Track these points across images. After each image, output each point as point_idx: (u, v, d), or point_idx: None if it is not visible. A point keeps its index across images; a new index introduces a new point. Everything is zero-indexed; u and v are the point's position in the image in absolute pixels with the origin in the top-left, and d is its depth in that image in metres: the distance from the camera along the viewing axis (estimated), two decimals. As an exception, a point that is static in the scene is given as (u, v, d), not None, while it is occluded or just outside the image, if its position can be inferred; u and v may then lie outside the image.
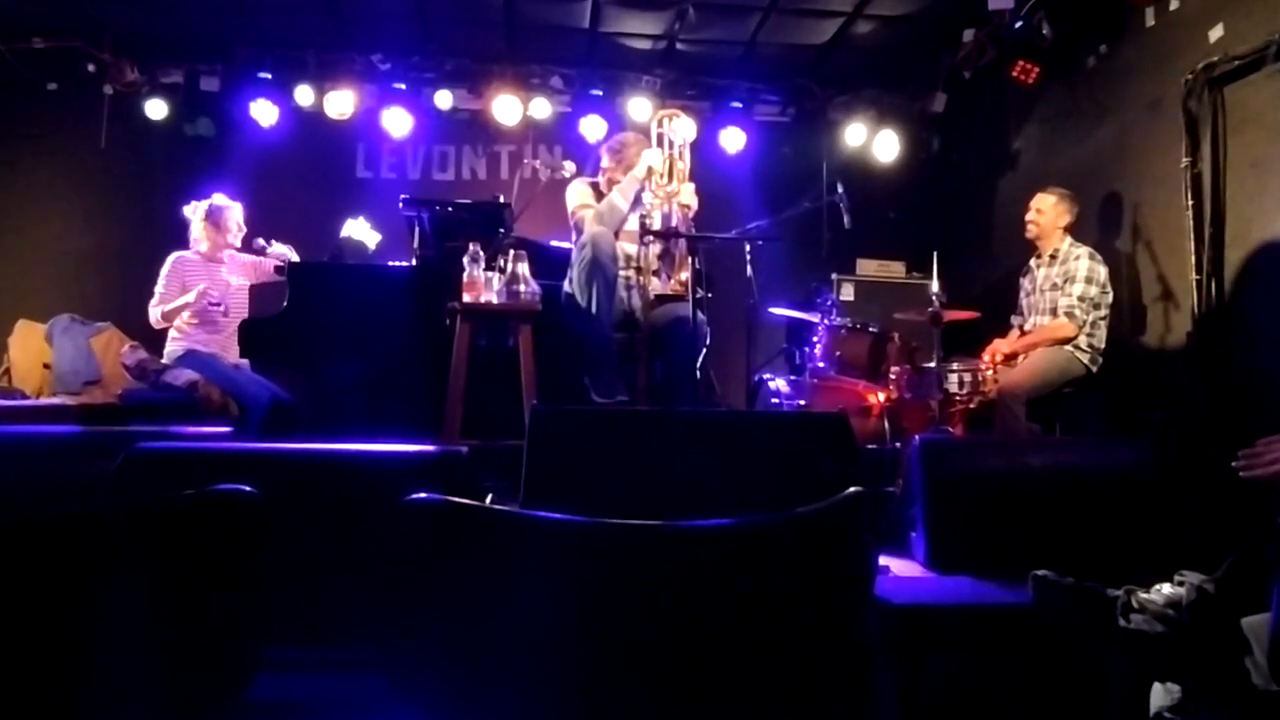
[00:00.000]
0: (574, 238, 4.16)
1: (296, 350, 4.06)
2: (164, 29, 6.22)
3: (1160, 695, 1.91)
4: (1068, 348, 4.35)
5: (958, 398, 4.37)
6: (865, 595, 1.36)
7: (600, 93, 6.60)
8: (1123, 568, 2.16)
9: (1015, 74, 5.52)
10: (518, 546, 1.16)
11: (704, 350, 3.95)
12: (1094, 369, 4.36)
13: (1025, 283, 4.77)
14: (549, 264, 4.12)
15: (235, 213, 4.78)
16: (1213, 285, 4.20)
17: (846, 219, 4.70)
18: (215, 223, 4.70)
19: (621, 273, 4.02)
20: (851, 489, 1.21)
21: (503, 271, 3.72)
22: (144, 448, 2.18)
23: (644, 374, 4.12)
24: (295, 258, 4.64)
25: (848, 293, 5.99)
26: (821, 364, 4.71)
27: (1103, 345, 4.39)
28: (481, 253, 3.71)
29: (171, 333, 4.56)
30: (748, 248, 4.63)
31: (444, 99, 6.49)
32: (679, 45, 6.41)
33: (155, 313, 4.53)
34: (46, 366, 5.68)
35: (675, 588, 1.16)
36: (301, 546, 1.86)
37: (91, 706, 1.17)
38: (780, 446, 2.57)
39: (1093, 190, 4.98)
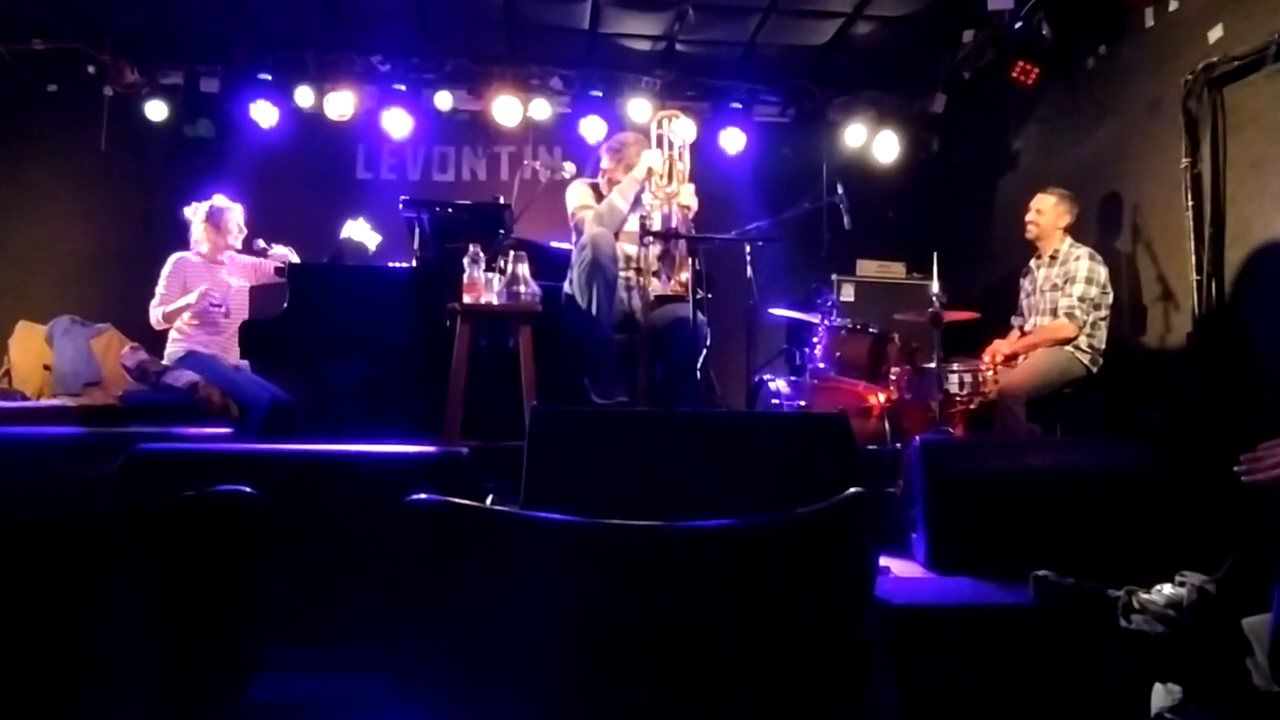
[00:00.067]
0: (574, 239, 4.16)
1: (297, 351, 4.06)
2: (164, 30, 6.22)
3: (1161, 696, 1.91)
4: (1068, 348, 4.35)
5: (958, 398, 4.36)
6: (865, 596, 1.36)
7: (600, 94, 6.60)
8: (1123, 568, 2.16)
9: (1015, 74, 5.52)
10: (518, 547, 1.16)
11: (704, 351, 3.95)
12: (1094, 369, 4.36)
13: (1025, 283, 4.77)
14: (549, 265, 4.12)
15: (236, 214, 4.79)
16: (1213, 285, 4.20)
17: (846, 220, 4.70)
18: (216, 224, 4.71)
19: (621, 274, 4.02)
20: (852, 490, 1.21)
21: (503, 272, 3.72)
22: (144, 449, 2.18)
23: (644, 375, 4.12)
24: (295, 259, 4.64)
25: (848, 293, 5.99)
26: (822, 365, 4.71)
27: (1103, 346, 4.39)
28: (481, 254, 3.71)
29: (172, 334, 4.56)
30: (748, 248, 4.64)
31: (444, 100, 6.49)
32: (679, 46, 6.41)
33: (156, 313, 4.54)
34: (47, 368, 5.68)
35: (675, 588, 1.16)
36: (301, 547, 1.87)
37: (92, 706, 1.17)
38: (780, 447, 2.57)
39: (1093, 191, 4.98)
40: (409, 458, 2.27)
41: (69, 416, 4.75)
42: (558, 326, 3.91)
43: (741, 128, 6.72)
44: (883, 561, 2.69)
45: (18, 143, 6.46)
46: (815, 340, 4.78)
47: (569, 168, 4.37)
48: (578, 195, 4.25)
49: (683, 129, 4.20)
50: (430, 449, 2.37)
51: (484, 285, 3.66)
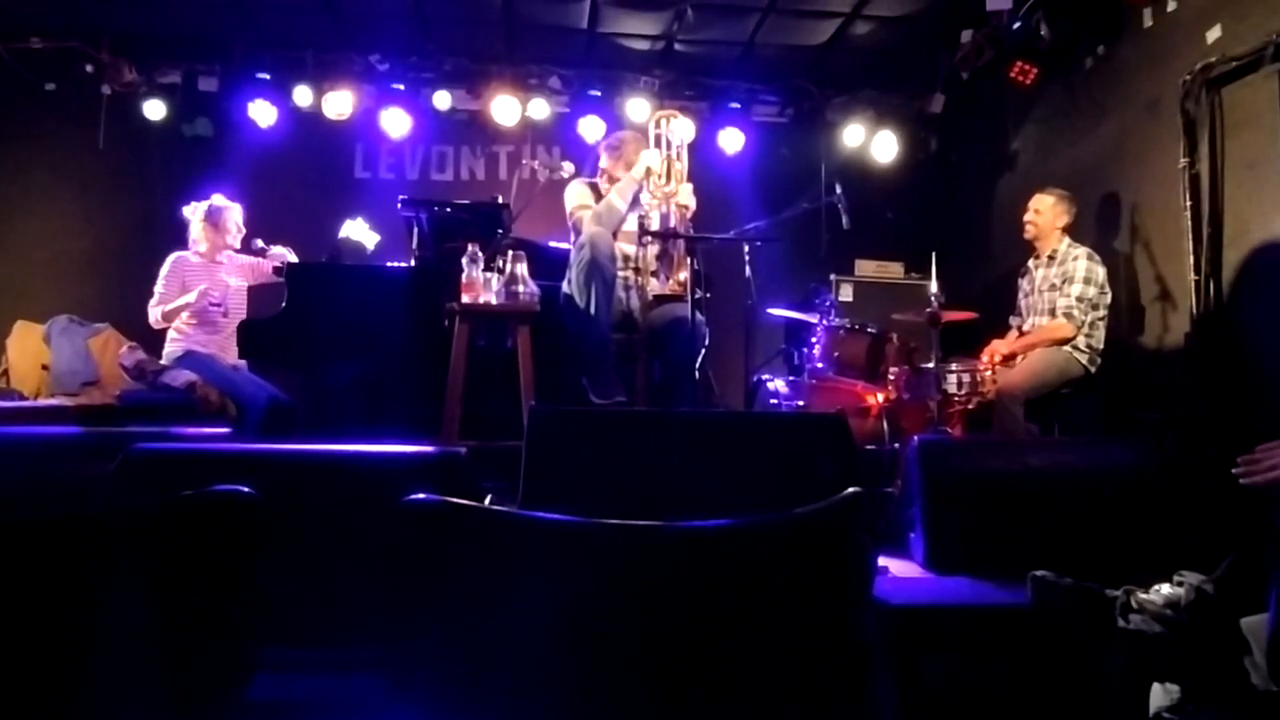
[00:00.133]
0: (572, 238, 4.16)
1: (295, 351, 4.06)
2: (162, 29, 6.22)
3: (1159, 695, 1.91)
4: (1066, 348, 4.35)
5: (956, 398, 4.37)
6: (864, 596, 1.36)
7: (599, 93, 6.60)
8: (1121, 568, 2.16)
9: (1013, 75, 5.53)
10: (516, 547, 1.16)
11: (702, 351, 3.95)
12: (1092, 369, 4.37)
13: (1024, 283, 4.78)
14: (547, 265, 4.12)
15: (234, 214, 4.79)
16: (1211, 286, 4.21)
17: (845, 220, 4.71)
18: (214, 224, 4.71)
19: (620, 273, 4.02)
20: (850, 489, 1.20)
21: (501, 272, 3.71)
22: (142, 448, 2.18)
23: (642, 375, 4.12)
24: (293, 258, 4.64)
25: (846, 293, 5.99)
26: (820, 364, 4.71)
27: (1101, 346, 4.39)
28: (480, 253, 3.70)
29: (170, 333, 4.56)
30: (746, 248, 4.64)
31: (442, 99, 6.49)
32: (677, 46, 6.41)
33: (155, 313, 4.53)
34: (45, 367, 5.68)
35: (674, 588, 1.16)
36: (300, 547, 1.86)
37: (90, 706, 1.17)
38: (779, 447, 2.57)
39: (1091, 191, 4.99)
40: (407, 457, 2.27)
41: (67, 416, 4.74)
42: (556, 326, 3.91)
43: (740, 127, 6.72)
44: (881, 561, 2.69)
45: (16, 142, 6.46)
46: (814, 340, 4.78)
47: (567, 167, 4.36)
48: (576, 195, 4.25)
49: (681, 129, 4.19)
50: (428, 449, 2.37)
51: (482, 285, 3.66)
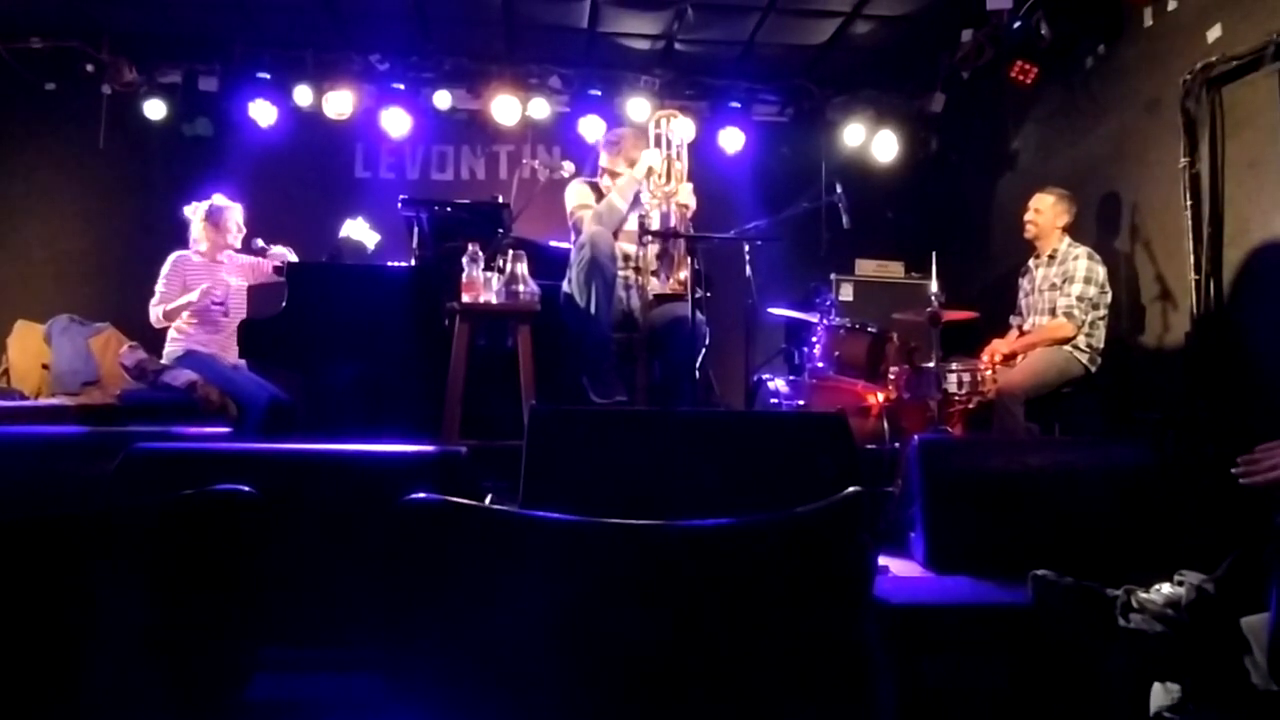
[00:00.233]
0: (573, 238, 4.16)
1: (295, 351, 4.06)
2: (162, 29, 6.22)
3: (1160, 695, 1.91)
4: (1066, 348, 4.35)
5: (956, 398, 4.37)
6: (864, 595, 1.36)
7: (599, 93, 6.60)
8: (1122, 567, 2.16)
9: (1014, 74, 5.53)
10: (517, 546, 1.16)
11: (703, 350, 3.95)
12: (1092, 369, 4.37)
13: (1024, 283, 4.78)
14: (548, 264, 4.12)
15: (235, 213, 4.79)
16: (1211, 285, 4.21)
17: (845, 219, 4.70)
18: (215, 223, 4.71)
19: (620, 273, 4.02)
20: (850, 489, 1.20)
21: (501, 271, 3.71)
22: (143, 448, 2.18)
23: (643, 374, 4.12)
24: (294, 258, 4.64)
25: (846, 293, 5.99)
26: (820, 364, 4.71)
27: (1101, 345, 4.39)
28: (480, 253, 3.70)
29: (170, 333, 4.56)
30: (746, 248, 4.64)
31: (443, 99, 6.49)
32: (677, 45, 6.41)
33: (156, 312, 4.54)
34: (45, 367, 5.68)
35: (674, 588, 1.16)
36: (300, 547, 1.86)
37: (90, 706, 1.17)
38: (779, 446, 2.57)
39: (1091, 190, 4.99)
40: (407, 457, 2.27)
41: (67, 415, 4.75)
42: (556, 326, 3.91)
43: (740, 127, 6.72)
44: (881, 561, 2.69)
45: (16, 141, 6.46)
46: (814, 339, 4.78)
47: (568, 167, 4.36)
48: (576, 194, 4.25)
49: (681, 128, 4.19)
50: (429, 448, 2.37)
51: (483, 284, 3.66)
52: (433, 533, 1.15)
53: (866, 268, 6.21)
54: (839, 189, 4.69)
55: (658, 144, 4.13)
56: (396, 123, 6.48)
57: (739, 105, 6.74)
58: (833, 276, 6.00)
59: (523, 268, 3.71)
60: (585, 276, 3.80)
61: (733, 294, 4.78)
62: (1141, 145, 4.74)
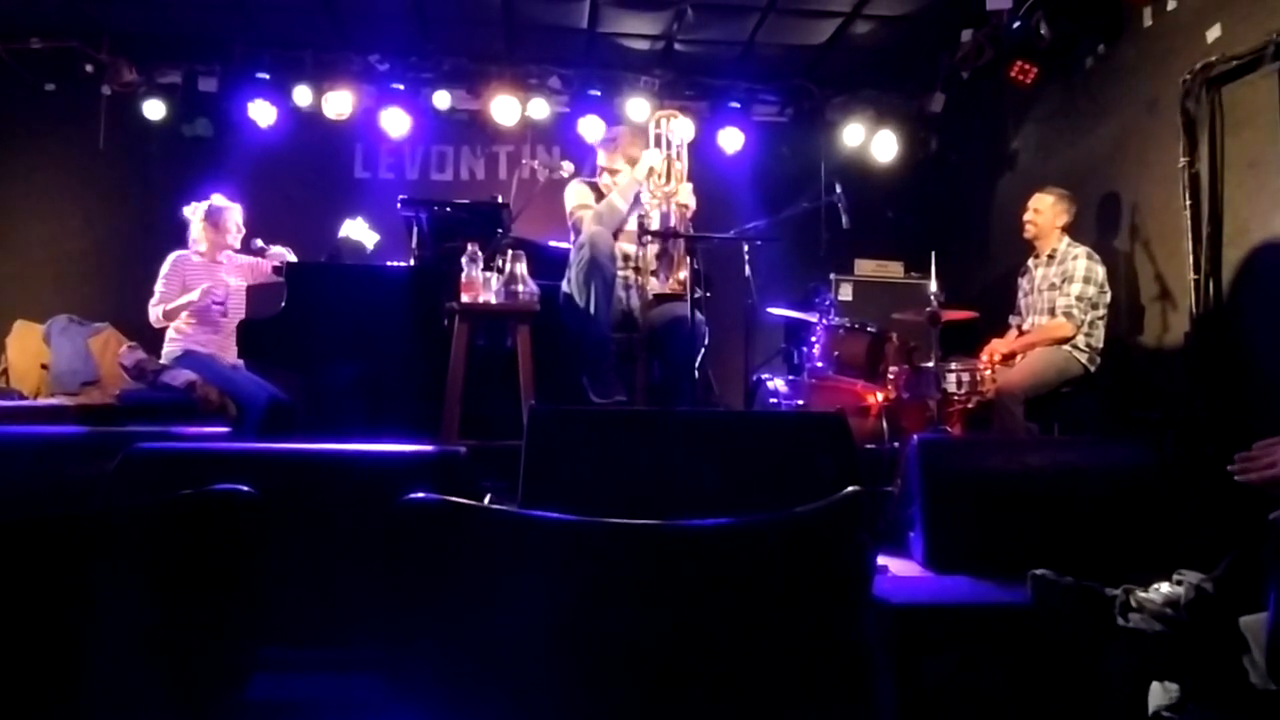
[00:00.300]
0: (572, 238, 4.16)
1: (294, 351, 4.06)
2: (162, 29, 6.22)
3: (1158, 694, 1.91)
4: (1066, 347, 4.35)
5: (956, 397, 4.36)
6: (863, 595, 1.36)
7: (598, 93, 6.60)
8: (1121, 567, 2.16)
9: (1013, 74, 5.53)
10: (516, 546, 1.16)
11: (702, 350, 3.95)
12: (1092, 369, 4.37)
13: (1023, 283, 4.78)
14: (547, 264, 4.12)
15: (234, 214, 4.79)
16: (1210, 285, 4.21)
17: (845, 219, 4.70)
18: (214, 223, 4.71)
19: (620, 273, 4.01)
20: (850, 489, 1.20)
21: (501, 272, 3.71)
22: (142, 448, 2.18)
23: (642, 374, 4.12)
24: (293, 258, 4.64)
25: (846, 293, 5.99)
26: (820, 364, 4.71)
27: (1101, 345, 4.39)
28: (480, 253, 3.70)
29: (169, 333, 4.57)
30: (746, 248, 4.64)
31: (442, 99, 6.49)
32: (677, 45, 6.41)
33: (156, 312, 4.54)
34: (44, 367, 5.68)
35: (673, 588, 1.16)
36: (299, 546, 1.86)
37: (89, 706, 1.17)
38: (778, 446, 2.57)
39: (1091, 190, 4.99)
40: (407, 457, 2.27)
41: (67, 415, 4.75)
42: (556, 326, 3.91)
43: (740, 127, 6.71)
44: (880, 560, 2.69)
45: (16, 142, 6.46)
46: (813, 339, 4.78)
47: (567, 167, 4.36)
48: (576, 194, 4.24)
49: (681, 128, 4.19)
50: (428, 448, 2.37)
51: (482, 284, 3.66)
52: (432, 533, 1.15)
53: (866, 268, 6.21)
54: (838, 189, 4.69)
55: (658, 144, 4.13)
56: (396, 123, 6.48)
57: (739, 105, 6.74)
58: (832, 276, 6.00)
59: (522, 268, 3.71)
60: (585, 276, 3.80)
61: (732, 294, 4.78)
62: (1141, 145, 4.74)
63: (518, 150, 6.84)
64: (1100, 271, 4.40)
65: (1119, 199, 4.90)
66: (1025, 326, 4.69)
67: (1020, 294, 4.80)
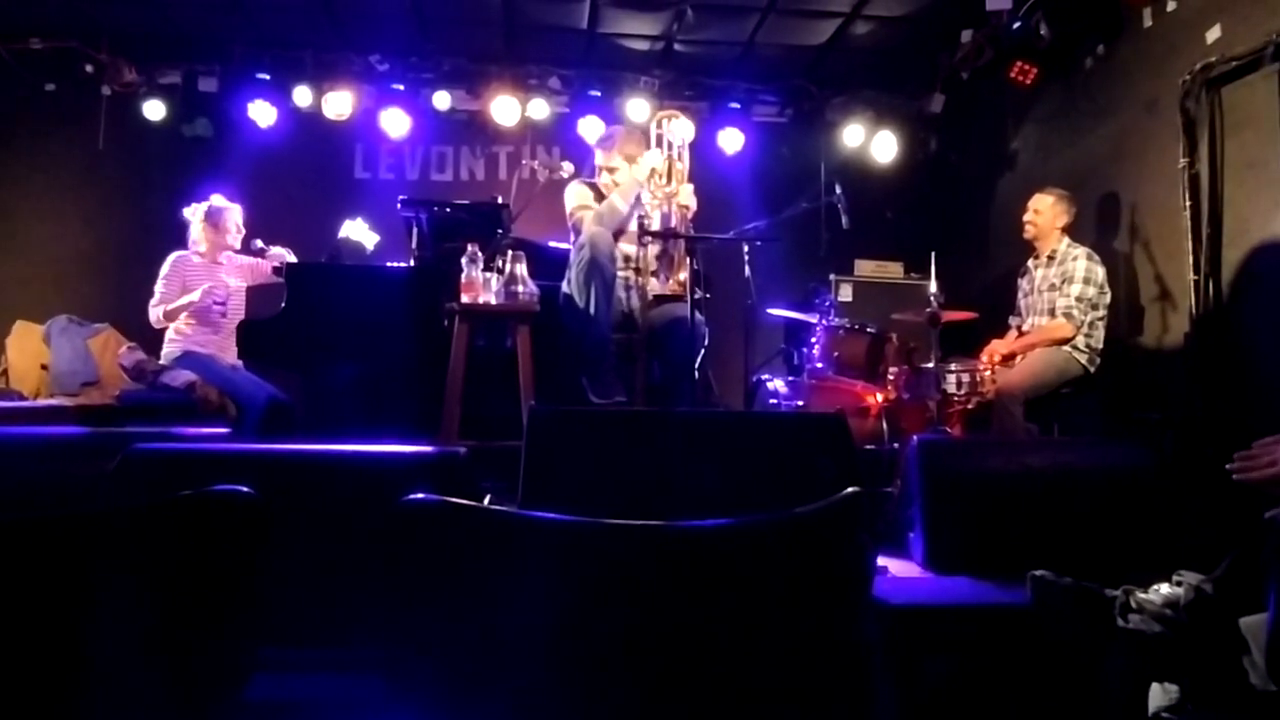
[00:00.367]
0: (572, 238, 4.15)
1: (294, 351, 4.06)
2: (162, 29, 6.22)
3: (1158, 695, 1.91)
4: (1065, 348, 4.35)
5: (956, 398, 4.37)
6: (863, 596, 1.36)
7: (598, 93, 6.60)
8: (1121, 568, 2.16)
9: (1013, 75, 5.53)
10: (516, 547, 1.16)
11: (702, 351, 3.94)
12: (1092, 369, 4.37)
13: (1023, 283, 4.78)
14: (547, 265, 4.12)
15: (234, 214, 4.79)
16: (1210, 286, 4.21)
17: (844, 219, 4.71)
18: (214, 224, 4.71)
19: (620, 273, 4.01)
20: (849, 489, 1.20)
21: (501, 272, 3.71)
22: (142, 448, 2.18)
23: (642, 375, 4.11)
24: (293, 259, 4.64)
25: (846, 293, 5.99)
26: (819, 364, 4.71)
27: (1100, 346, 4.39)
28: (480, 253, 3.70)
29: (169, 333, 4.57)
30: (746, 248, 4.64)
31: (442, 100, 6.49)
32: (677, 46, 6.41)
33: (156, 312, 4.54)
34: (44, 367, 5.68)
35: (673, 588, 1.16)
36: (299, 547, 1.86)
37: (90, 706, 1.17)
38: (778, 447, 2.57)
39: (1090, 191, 4.99)
40: (406, 457, 2.27)
41: (66, 416, 4.74)
42: (556, 326, 3.91)
43: (740, 127, 6.72)
44: (880, 561, 2.69)
45: (15, 142, 6.46)
46: (813, 340, 4.78)
47: (567, 167, 4.36)
48: (576, 195, 4.24)
49: (681, 129, 4.18)
50: (428, 449, 2.37)
51: (482, 285, 3.66)
52: (432, 533, 1.15)
53: (866, 268, 6.21)
54: (838, 189, 4.69)
55: (659, 144, 4.13)
56: (396, 123, 6.48)
57: (738, 106, 6.74)
58: (832, 277, 6.00)
59: (522, 268, 3.71)
60: (584, 277, 3.80)
61: (732, 294, 4.78)
62: (1141, 146, 4.75)
63: (518, 151, 6.84)
64: (1100, 272, 4.40)
65: (1118, 199, 4.91)
66: (1025, 327, 4.69)
67: (1020, 295, 4.80)
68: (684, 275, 3.99)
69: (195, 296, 4.48)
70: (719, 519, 1.15)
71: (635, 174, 4.07)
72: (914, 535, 2.80)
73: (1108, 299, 4.42)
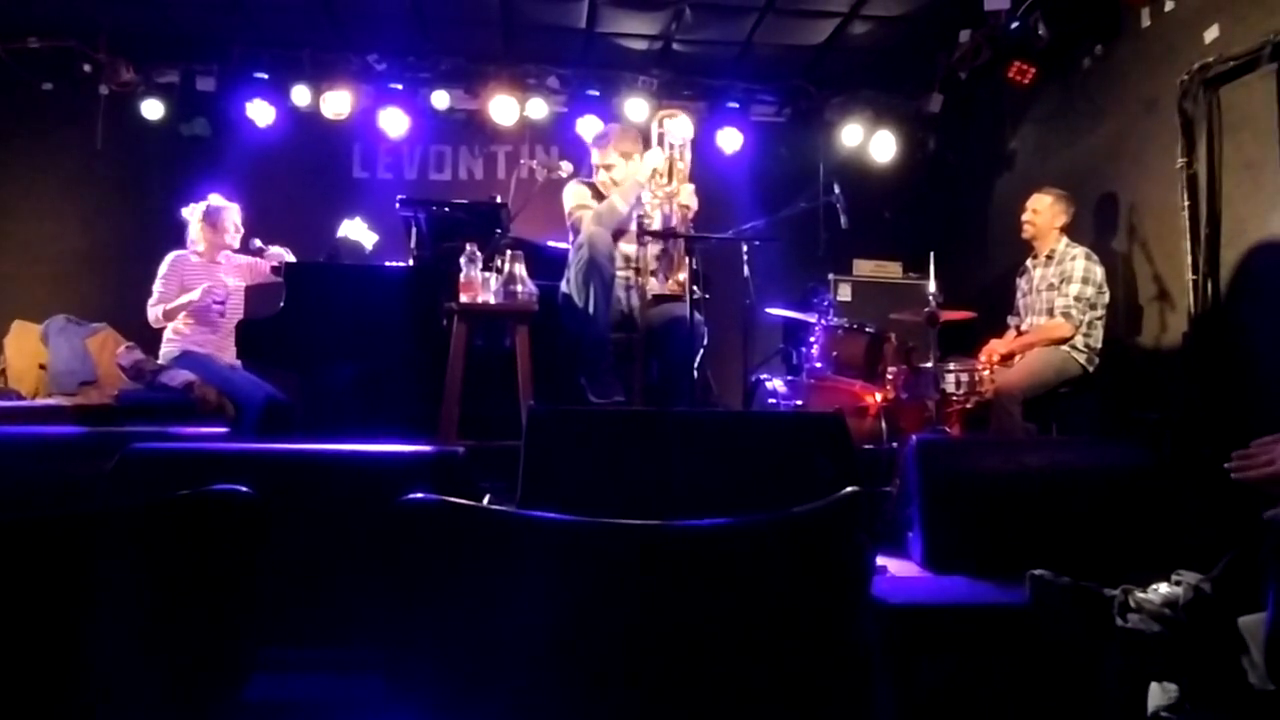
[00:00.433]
0: (571, 238, 4.15)
1: (293, 351, 4.06)
2: (160, 29, 6.21)
3: (1157, 695, 1.91)
4: (1064, 348, 4.35)
5: (954, 398, 4.37)
6: (862, 595, 1.36)
7: (597, 93, 6.60)
8: (1119, 567, 2.16)
9: (1011, 75, 5.53)
10: (515, 546, 1.16)
11: (701, 350, 3.95)
12: (1090, 369, 4.37)
13: (1022, 283, 4.78)
14: (546, 264, 4.12)
15: (233, 214, 4.79)
16: (1208, 285, 4.21)
17: (843, 219, 4.71)
18: (212, 223, 4.71)
19: (619, 273, 4.01)
20: (848, 489, 1.20)
21: (499, 272, 3.71)
22: (140, 448, 2.18)
23: (641, 374, 4.12)
24: (291, 258, 4.64)
25: (844, 293, 6.00)
26: (818, 364, 4.71)
27: (1099, 345, 4.40)
28: (478, 253, 3.70)
29: (167, 333, 4.56)
30: (744, 248, 4.64)
31: (440, 99, 6.49)
32: (675, 46, 6.41)
33: (155, 312, 4.53)
34: (42, 367, 5.67)
35: (672, 588, 1.16)
36: (298, 546, 1.86)
37: (88, 706, 1.17)
38: (777, 446, 2.57)
39: (1089, 191, 4.99)
40: (405, 457, 2.27)
41: (64, 416, 4.74)
42: (554, 326, 3.91)
43: (738, 127, 6.71)
44: (879, 561, 2.69)
45: (13, 141, 6.45)
46: (812, 340, 4.78)
47: (566, 167, 4.36)
48: (575, 195, 4.24)
49: (681, 127, 4.18)
50: (426, 448, 2.37)
51: (481, 284, 3.66)
52: (431, 533, 1.15)
53: (864, 268, 6.22)
54: (837, 189, 4.70)
55: (660, 144, 4.12)
56: (394, 123, 6.47)
57: (737, 105, 6.74)
58: (830, 277, 6.00)
59: (521, 268, 3.71)
60: (583, 277, 3.80)
61: (731, 294, 4.78)
62: (1139, 146, 4.75)
63: (516, 150, 6.83)
64: (1099, 272, 4.40)
65: (1117, 199, 4.91)
66: (1024, 327, 4.69)
67: (1018, 294, 4.80)
68: (683, 275, 3.99)
69: (194, 296, 4.48)
70: (718, 519, 1.15)
71: (637, 174, 4.06)
72: (912, 535, 2.80)
73: (1106, 299, 4.42)
